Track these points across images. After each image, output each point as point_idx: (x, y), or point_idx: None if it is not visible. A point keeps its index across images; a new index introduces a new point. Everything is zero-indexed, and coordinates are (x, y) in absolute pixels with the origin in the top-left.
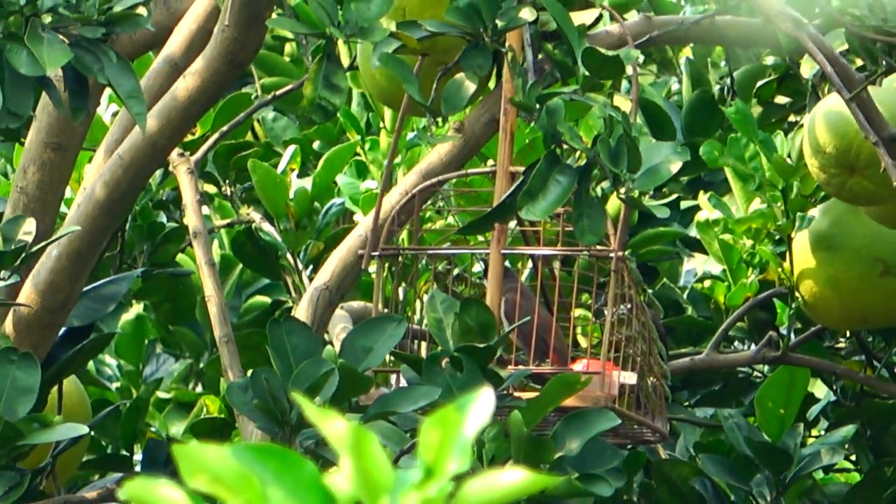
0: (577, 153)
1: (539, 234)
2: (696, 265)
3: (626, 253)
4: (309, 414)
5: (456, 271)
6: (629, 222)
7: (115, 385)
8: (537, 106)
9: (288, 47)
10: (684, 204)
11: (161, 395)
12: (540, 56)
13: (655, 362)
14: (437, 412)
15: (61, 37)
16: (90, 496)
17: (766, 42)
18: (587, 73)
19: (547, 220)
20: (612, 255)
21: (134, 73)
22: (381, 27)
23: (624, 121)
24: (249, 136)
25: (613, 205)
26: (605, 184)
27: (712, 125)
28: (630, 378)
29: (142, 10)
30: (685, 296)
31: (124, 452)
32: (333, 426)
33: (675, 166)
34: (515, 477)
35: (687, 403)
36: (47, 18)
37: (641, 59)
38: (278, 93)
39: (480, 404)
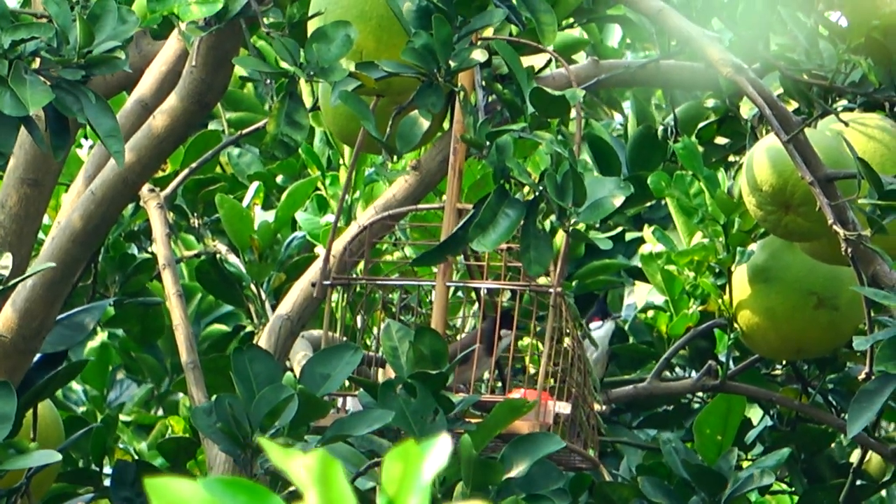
0: (525, 188)
1: (483, 269)
2: (637, 299)
3: (566, 285)
4: (272, 456)
5: (405, 301)
6: (573, 256)
7: (80, 409)
8: (487, 143)
9: (246, 89)
10: (629, 236)
11: (123, 418)
12: (491, 98)
13: (590, 393)
14: (400, 446)
15: (43, 79)
16: None
17: (708, 85)
18: (535, 111)
19: (491, 254)
20: (551, 290)
21: (112, 112)
22: (340, 67)
23: (570, 157)
24: (218, 170)
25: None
26: (552, 218)
27: (655, 158)
28: (565, 408)
29: (120, 53)
30: (627, 327)
31: (95, 467)
32: (298, 464)
33: (618, 200)
34: None
35: (629, 426)
36: (30, 61)
37: (581, 98)
38: (245, 131)
39: (438, 449)
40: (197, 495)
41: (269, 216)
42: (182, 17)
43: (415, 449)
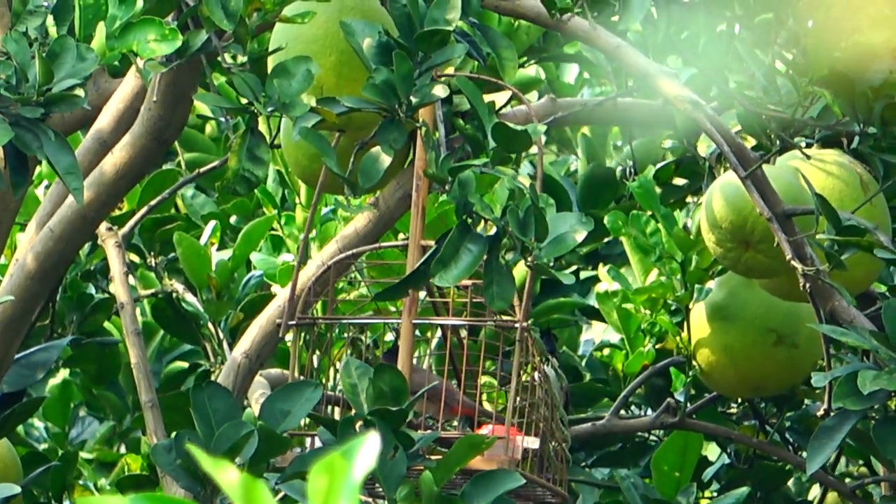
0: (487, 223)
1: (448, 305)
2: (595, 335)
3: (530, 323)
4: (202, 464)
5: (370, 339)
6: (532, 293)
7: (42, 446)
8: (450, 178)
9: (209, 128)
10: (583, 274)
11: (84, 455)
12: (454, 135)
13: (557, 428)
14: (325, 459)
15: (2, 116)
16: None
17: (665, 123)
18: (497, 146)
19: (456, 291)
20: (517, 325)
21: (71, 149)
22: (301, 103)
23: (531, 192)
24: (174, 210)
25: (518, 276)
26: (511, 255)
27: (606, 197)
28: (533, 443)
29: (79, 91)
30: (584, 363)
31: None
32: (226, 475)
33: (580, 235)
34: None
35: (584, 465)
36: None
37: (543, 137)
38: (202, 170)
39: (367, 448)
40: None
41: (225, 255)
42: (141, 54)
43: (339, 460)
